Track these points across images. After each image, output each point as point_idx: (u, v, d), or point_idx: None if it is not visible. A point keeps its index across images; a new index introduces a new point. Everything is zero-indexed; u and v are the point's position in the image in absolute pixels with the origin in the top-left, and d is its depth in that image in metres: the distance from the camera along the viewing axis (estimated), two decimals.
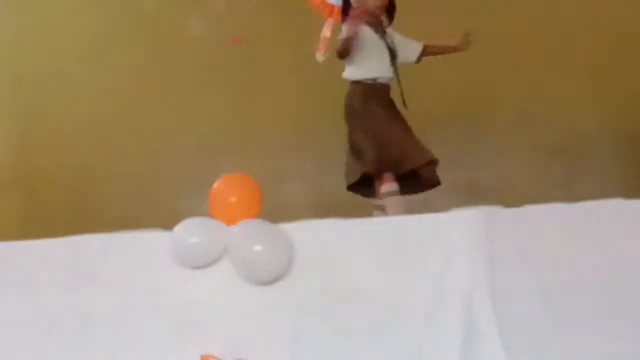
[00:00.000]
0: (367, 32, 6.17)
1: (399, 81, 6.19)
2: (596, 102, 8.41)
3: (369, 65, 6.20)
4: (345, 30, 6.14)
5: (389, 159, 6.05)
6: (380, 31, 6.23)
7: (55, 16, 8.95)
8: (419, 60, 6.44)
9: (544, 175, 7.99)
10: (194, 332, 4.69)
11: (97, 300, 4.86)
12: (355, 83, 6.19)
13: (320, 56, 6.18)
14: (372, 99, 6.17)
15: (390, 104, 6.22)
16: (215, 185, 4.91)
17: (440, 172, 7.93)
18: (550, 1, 8.46)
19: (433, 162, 6.18)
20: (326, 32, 6.31)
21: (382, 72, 6.18)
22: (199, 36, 8.64)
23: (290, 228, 4.83)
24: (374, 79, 6.17)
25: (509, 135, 8.50)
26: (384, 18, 6.32)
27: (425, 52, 6.46)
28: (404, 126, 6.18)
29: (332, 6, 6.22)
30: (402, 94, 6.23)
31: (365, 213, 5.85)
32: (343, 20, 6.23)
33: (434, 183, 6.26)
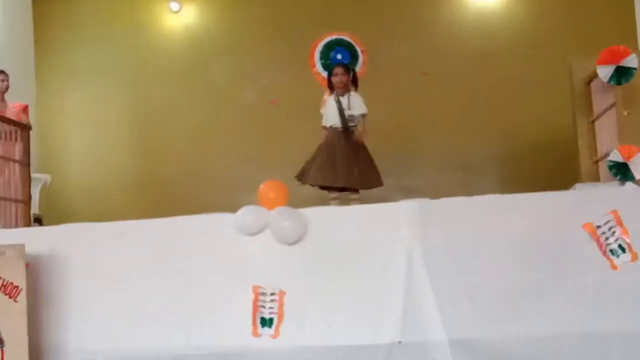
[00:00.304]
0: (329, 99, 6.22)
1: (346, 127, 6.13)
2: (484, 136, 8.46)
3: (327, 117, 6.21)
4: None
5: (302, 173, 6.18)
6: (338, 96, 6.16)
7: (165, 75, 9.06)
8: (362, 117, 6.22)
9: (453, 182, 8.04)
10: (249, 273, 4.68)
11: (191, 255, 4.82)
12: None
13: (322, 110, 6.22)
14: (327, 137, 6.20)
15: (337, 141, 6.16)
16: (261, 186, 4.92)
17: (393, 177, 8.08)
18: (458, 67, 8.54)
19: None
20: (326, 96, 6.32)
21: (335, 121, 6.14)
22: (252, 99, 8.74)
23: (305, 211, 4.83)
24: (330, 126, 6.17)
25: (433, 156, 8.57)
26: (349, 87, 6.25)
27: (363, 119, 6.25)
28: (329, 157, 6.13)
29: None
30: (346, 130, 6.16)
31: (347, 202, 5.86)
32: (330, 91, 6.25)
33: (365, 187, 6.25)
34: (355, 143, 6.23)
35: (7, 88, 6.51)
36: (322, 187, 6.26)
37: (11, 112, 6.37)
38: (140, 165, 8.96)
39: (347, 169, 6.12)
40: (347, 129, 6.20)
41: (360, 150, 6.25)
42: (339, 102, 6.17)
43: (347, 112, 6.16)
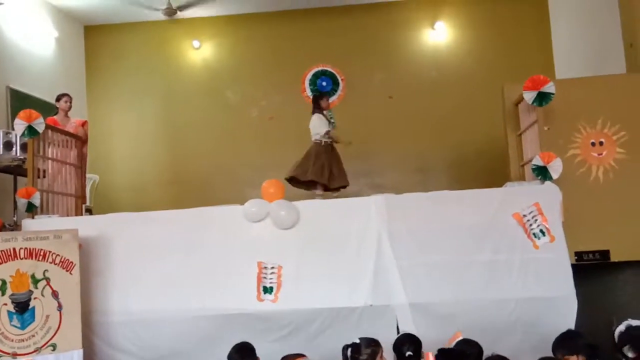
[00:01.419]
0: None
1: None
2: (437, 146, 8.43)
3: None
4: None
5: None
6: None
7: (189, 97, 8.98)
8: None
9: (413, 181, 8.05)
10: (254, 251, 4.68)
11: (208, 238, 4.79)
12: None
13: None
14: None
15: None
16: (263, 184, 4.92)
17: (369, 178, 8.10)
18: (416, 92, 8.51)
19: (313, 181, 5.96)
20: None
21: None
22: (255, 116, 8.72)
23: (297, 203, 4.84)
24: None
25: (397, 161, 8.57)
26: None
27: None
28: (321, 161, 5.93)
29: None
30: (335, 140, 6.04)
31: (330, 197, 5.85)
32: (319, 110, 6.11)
33: (339, 188, 6.08)
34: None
35: (69, 108, 6.49)
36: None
37: (71, 126, 6.33)
38: (170, 167, 8.88)
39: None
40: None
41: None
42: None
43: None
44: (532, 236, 4.52)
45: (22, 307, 4.26)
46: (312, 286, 4.58)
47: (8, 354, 4.19)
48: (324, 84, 6.28)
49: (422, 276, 4.51)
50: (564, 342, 3.66)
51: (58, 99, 6.49)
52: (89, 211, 6.94)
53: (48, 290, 4.37)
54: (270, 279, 4.60)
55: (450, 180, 8.03)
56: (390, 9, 8.75)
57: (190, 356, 4.62)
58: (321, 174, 5.96)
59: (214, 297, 4.62)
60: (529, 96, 4.84)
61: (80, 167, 6.17)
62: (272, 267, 4.63)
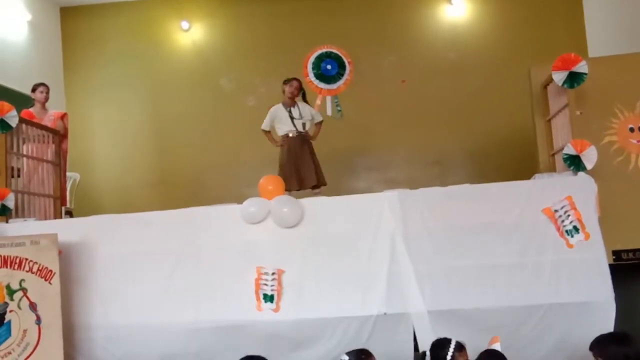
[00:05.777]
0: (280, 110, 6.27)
1: (298, 131, 6.16)
2: (456, 135, 8.41)
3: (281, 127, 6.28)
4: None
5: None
6: (289, 107, 6.24)
7: (178, 85, 9.00)
8: (319, 124, 6.31)
9: (429, 175, 8.01)
10: (253, 256, 4.68)
11: (202, 241, 4.82)
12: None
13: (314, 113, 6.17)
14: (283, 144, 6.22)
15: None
16: (261, 180, 4.93)
17: (380, 173, 8.06)
18: (432, 76, 8.47)
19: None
20: (318, 100, 6.35)
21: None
22: (252, 105, 8.68)
23: (301, 200, 4.86)
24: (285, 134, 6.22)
25: (411, 152, 8.56)
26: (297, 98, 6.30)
27: (319, 125, 6.32)
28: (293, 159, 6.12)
29: (320, 88, 6.24)
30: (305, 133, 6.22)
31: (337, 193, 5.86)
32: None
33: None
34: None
35: (46, 99, 6.52)
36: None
37: (49, 119, 6.37)
38: (157, 163, 8.89)
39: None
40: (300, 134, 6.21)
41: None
42: (295, 111, 6.21)
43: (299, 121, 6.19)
44: (565, 234, 4.51)
45: None
46: (318, 293, 4.59)
47: None
48: (329, 67, 6.25)
49: (441, 281, 4.52)
50: (602, 345, 3.64)
51: (34, 89, 6.52)
52: (69, 213, 6.97)
53: (25, 302, 4.40)
54: (271, 285, 4.60)
55: (471, 173, 7.99)
56: None
57: None
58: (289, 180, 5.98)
59: (209, 307, 4.64)
60: (559, 77, 4.83)
61: (59, 164, 6.20)
62: (273, 273, 4.63)
